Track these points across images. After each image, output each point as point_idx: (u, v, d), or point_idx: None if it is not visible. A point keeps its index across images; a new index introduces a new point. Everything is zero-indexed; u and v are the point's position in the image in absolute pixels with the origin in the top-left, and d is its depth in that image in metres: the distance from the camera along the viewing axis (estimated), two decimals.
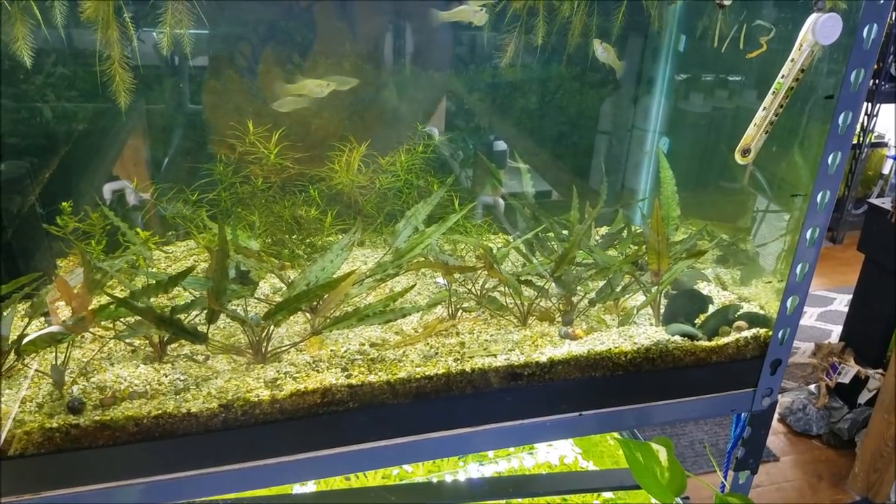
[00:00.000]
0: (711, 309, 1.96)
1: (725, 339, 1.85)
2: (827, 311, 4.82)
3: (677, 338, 1.82)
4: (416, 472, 2.61)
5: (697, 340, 1.83)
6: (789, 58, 1.57)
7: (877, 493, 3.17)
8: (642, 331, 1.86)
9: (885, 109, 5.54)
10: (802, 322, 4.69)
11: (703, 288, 2.12)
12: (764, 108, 1.62)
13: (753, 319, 1.91)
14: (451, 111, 2.46)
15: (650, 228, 1.79)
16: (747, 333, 1.86)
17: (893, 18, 5.19)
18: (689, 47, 2.29)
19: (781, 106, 1.61)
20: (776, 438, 3.64)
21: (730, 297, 2.10)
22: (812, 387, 3.78)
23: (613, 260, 1.96)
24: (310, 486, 2.46)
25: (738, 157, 1.65)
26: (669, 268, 1.87)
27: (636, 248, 2.14)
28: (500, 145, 2.58)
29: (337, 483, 2.46)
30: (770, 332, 1.85)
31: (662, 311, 1.95)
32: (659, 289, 1.88)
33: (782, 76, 1.59)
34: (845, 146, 1.64)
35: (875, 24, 1.52)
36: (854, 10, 1.53)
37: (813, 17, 1.53)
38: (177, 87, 2.08)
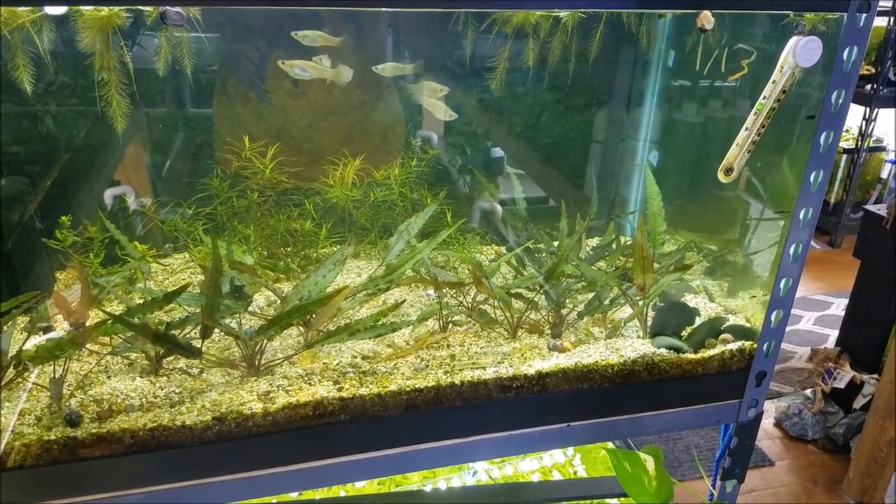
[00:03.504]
0: (698, 321, 1.99)
1: (711, 352, 1.88)
2: (824, 316, 4.84)
3: (663, 350, 1.86)
4: (410, 479, 2.64)
5: (683, 353, 1.86)
6: (771, 79, 1.61)
7: (871, 498, 3.19)
8: (629, 343, 1.89)
9: (884, 113, 5.57)
10: (799, 326, 4.73)
11: (691, 300, 2.15)
12: (746, 129, 1.65)
13: (739, 332, 1.94)
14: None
15: (634, 244, 1.83)
16: (732, 346, 1.89)
17: (891, 23, 5.22)
18: (678, 62, 2.32)
19: (763, 126, 1.64)
20: (771, 443, 3.66)
21: (717, 309, 2.14)
22: (808, 391, 3.80)
23: (600, 274, 1.99)
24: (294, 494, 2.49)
25: (720, 176, 1.69)
26: (656, 281, 1.90)
27: (624, 260, 2.17)
28: (497, 152, 2.62)
29: (331, 490, 2.50)
30: (755, 345, 1.88)
31: (650, 323, 1.98)
32: (645, 302, 1.92)
33: (764, 97, 1.62)
34: (827, 165, 1.67)
35: (855, 46, 1.55)
36: (834, 32, 1.56)
37: (793, 39, 1.57)
38: (180, 94, 2.10)
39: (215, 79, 2.15)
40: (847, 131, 5.97)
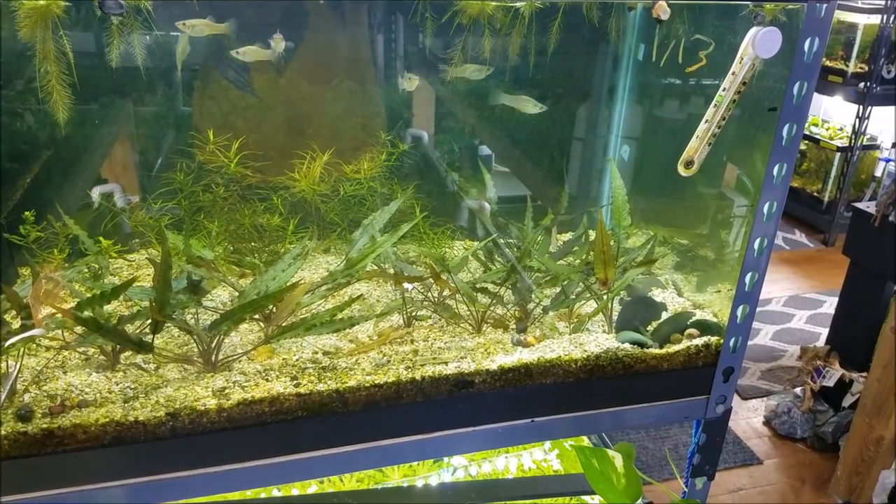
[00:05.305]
0: (664, 316, 1.97)
1: (676, 347, 1.86)
2: (816, 314, 4.81)
3: (627, 345, 1.84)
4: (389, 476, 2.63)
5: (647, 348, 1.84)
6: (730, 71, 1.59)
7: (858, 497, 3.17)
8: (593, 338, 1.87)
9: (877, 112, 5.54)
10: (791, 325, 4.70)
11: (658, 294, 2.13)
12: (706, 121, 1.63)
13: (706, 327, 1.92)
14: (440, 115, 2.47)
15: (595, 239, 1.81)
16: (698, 341, 1.87)
17: (885, 20, 5.19)
18: (648, 55, 2.30)
19: (724, 118, 1.62)
20: (760, 441, 3.64)
21: (684, 303, 2.12)
22: (797, 390, 3.78)
23: (562, 268, 1.98)
24: (276, 491, 2.48)
25: (681, 170, 1.67)
26: (621, 275, 1.88)
27: (588, 253, 2.16)
28: (485, 150, 2.61)
29: (305, 486, 2.49)
30: (721, 341, 1.86)
31: (615, 318, 1.96)
32: (609, 297, 1.90)
33: (724, 89, 1.60)
34: (790, 158, 1.65)
35: (816, 37, 1.53)
36: (795, 23, 1.54)
37: (753, 30, 1.55)
38: (163, 91, 2.09)
39: (197, 74, 2.14)
40: (841, 129, 5.95)
